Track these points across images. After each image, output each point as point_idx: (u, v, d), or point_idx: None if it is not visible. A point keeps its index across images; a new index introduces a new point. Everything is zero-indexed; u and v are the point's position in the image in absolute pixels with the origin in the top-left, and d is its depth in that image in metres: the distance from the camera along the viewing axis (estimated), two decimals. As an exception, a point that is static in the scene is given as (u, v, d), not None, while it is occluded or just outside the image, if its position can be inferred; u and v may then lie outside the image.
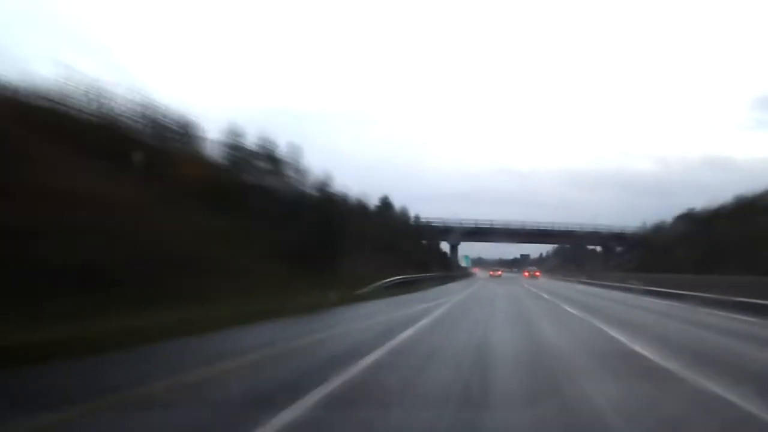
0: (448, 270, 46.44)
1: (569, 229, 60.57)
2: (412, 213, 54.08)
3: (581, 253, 69.96)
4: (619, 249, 60.34)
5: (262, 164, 22.38)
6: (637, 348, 8.77)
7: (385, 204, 44.59)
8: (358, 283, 22.35)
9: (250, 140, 22.68)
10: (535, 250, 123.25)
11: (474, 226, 59.56)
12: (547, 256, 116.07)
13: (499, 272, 75.76)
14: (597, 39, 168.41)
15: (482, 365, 7.18)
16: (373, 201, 42.80)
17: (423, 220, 55.74)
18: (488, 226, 59.89)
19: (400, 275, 29.32)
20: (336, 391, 5.40)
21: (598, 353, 8.50)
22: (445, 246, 63.05)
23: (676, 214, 52.67)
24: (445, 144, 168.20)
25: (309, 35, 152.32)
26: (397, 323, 11.96)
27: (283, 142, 24.73)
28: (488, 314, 15.71)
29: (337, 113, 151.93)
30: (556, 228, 61.25)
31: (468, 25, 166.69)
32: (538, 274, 67.50)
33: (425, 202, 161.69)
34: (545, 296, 25.22)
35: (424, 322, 12.70)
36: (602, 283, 37.89)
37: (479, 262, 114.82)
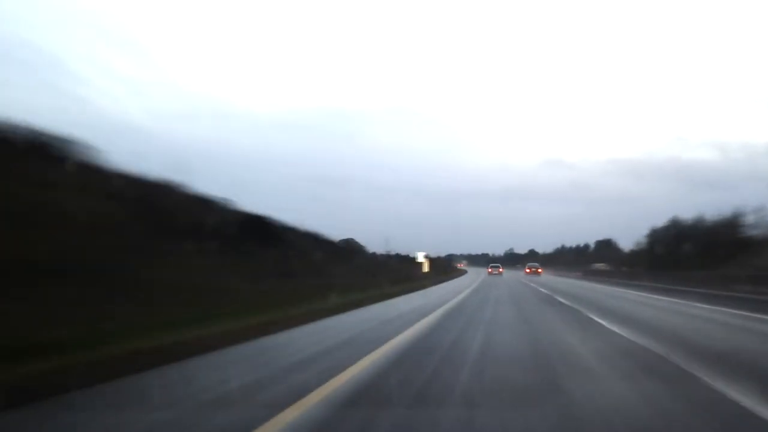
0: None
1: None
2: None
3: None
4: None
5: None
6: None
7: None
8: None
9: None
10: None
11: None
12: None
13: (500, 269, 63.32)
14: (642, 16, 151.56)
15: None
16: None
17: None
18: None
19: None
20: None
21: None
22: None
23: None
24: (487, 137, 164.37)
25: (349, 33, 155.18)
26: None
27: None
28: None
29: (378, 110, 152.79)
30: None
31: (509, 16, 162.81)
32: (540, 271, 61.69)
33: (470, 199, 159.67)
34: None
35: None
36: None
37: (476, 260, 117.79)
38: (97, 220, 11.16)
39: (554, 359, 7.12)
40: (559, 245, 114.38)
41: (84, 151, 13.13)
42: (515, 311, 14.76)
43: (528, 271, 61.87)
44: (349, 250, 40.91)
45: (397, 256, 55.25)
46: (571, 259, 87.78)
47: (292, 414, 4.31)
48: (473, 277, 48.16)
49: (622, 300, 20.36)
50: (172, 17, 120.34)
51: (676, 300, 19.84)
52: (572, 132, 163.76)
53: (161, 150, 71.09)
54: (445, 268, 65.88)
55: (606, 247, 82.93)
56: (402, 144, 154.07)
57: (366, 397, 5.04)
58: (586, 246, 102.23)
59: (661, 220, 51.87)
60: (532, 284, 34.15)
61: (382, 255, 51.59)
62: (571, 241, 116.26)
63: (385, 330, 9.99)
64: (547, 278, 48.77)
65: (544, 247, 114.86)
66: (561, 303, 17.89)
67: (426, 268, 52.02)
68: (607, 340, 8.99)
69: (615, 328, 10.45)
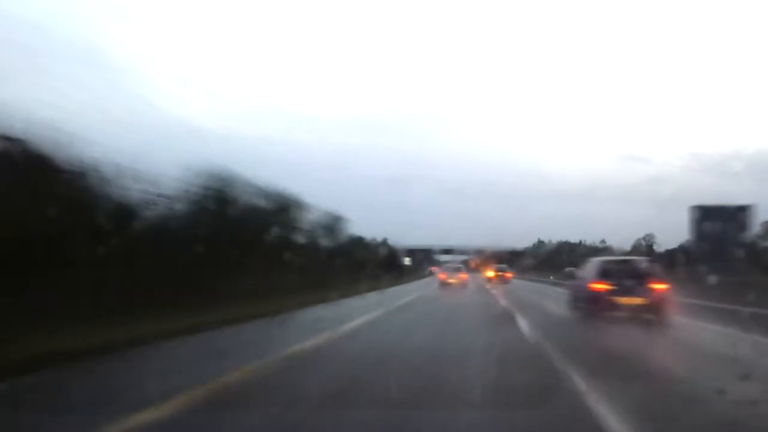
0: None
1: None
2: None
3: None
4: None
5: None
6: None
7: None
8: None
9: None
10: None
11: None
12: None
13: (463, 275, 35.64)
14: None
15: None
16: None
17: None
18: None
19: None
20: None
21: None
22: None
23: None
24: (559, 135, 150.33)
25: (417, 32, 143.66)
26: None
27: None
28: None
29: (448, 109, 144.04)
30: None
31: (580, 8, 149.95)
32: (509, 275, 45.71)
33: (540, 202, 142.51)
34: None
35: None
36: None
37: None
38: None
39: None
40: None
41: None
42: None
43: (492, 276, 44.66)
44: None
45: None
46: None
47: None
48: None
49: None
50: (238, 19, 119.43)
51: None
52: (649, 126, 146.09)
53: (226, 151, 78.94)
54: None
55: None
56: (473, 143, 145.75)
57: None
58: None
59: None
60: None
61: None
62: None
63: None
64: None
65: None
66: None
67: None
68: None
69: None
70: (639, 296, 12.89)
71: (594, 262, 14.70)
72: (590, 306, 13.66)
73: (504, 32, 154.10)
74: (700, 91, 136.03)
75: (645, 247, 66.08)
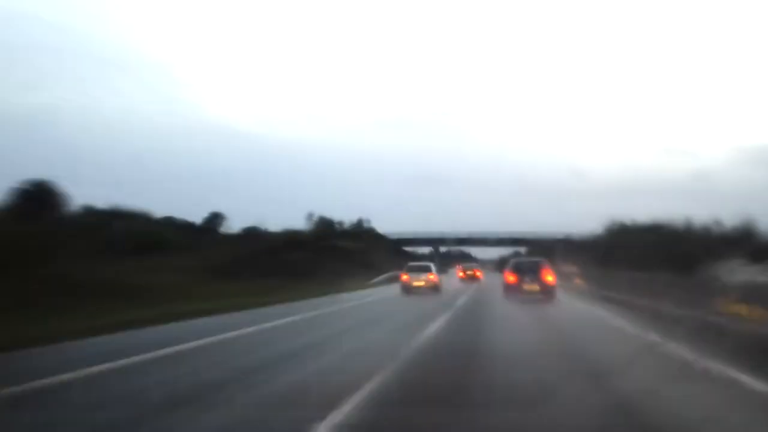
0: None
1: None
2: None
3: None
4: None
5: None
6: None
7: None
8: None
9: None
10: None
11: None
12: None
13: (431, 276, 28.25)
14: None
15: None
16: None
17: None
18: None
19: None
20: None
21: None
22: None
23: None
24: (598, 130, 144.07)
25: (453, 34, 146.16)
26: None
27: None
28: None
29: (483, 109, 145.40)
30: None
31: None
32: (479, 274, 48.30)
33: (575, 197, 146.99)
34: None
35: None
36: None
37: None
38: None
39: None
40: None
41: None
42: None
43: (462, 275, 47.58)
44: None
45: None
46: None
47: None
48: None
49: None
50: (273, 21, 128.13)
51: None
52: (691, 119, 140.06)
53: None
54: None
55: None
56: (507, 142, 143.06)
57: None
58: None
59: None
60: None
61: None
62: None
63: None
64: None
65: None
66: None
67: None
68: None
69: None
70: (535, 284, 20.01)
71: (510, 262, 21.92)
72: (507, 290, 20.75)
73: (542, 26, 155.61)
74: (747, 82, 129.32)
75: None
